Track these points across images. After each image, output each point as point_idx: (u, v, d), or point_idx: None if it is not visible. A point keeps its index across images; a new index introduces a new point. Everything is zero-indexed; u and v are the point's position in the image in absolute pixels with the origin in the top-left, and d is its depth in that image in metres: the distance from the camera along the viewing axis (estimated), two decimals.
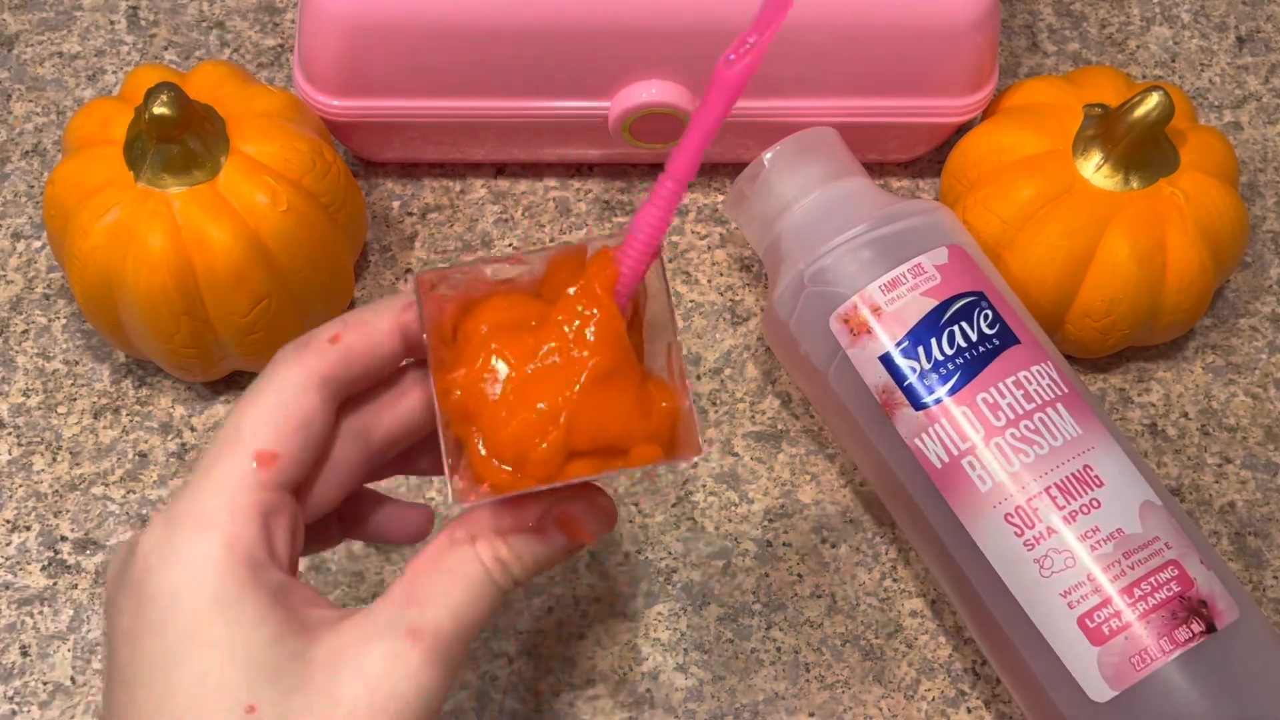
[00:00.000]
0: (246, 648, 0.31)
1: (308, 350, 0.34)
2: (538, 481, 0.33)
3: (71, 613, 0.49)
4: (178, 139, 0.47)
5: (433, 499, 0.51)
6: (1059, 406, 0.45)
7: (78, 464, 0.52)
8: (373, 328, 0.35)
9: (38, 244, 0.56)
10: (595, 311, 0.33)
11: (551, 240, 0.56)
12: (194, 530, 0.32)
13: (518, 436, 0.33)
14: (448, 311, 0.34)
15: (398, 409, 0.36)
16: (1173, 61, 0.62)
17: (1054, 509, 0.44)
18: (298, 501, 0.34)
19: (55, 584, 0.50)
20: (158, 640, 0.32)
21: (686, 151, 0.34)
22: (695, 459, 0.36)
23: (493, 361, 0.33)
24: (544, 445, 0.33)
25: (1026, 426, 0.45)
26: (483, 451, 0.33)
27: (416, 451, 0.38)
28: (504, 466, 0.33)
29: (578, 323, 0.33)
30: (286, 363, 0.34)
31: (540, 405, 0.33)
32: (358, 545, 0.50)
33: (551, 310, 0.34)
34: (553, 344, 0.33)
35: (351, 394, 0.35)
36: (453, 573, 0.33)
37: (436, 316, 0.34)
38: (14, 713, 0.48)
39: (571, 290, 0.33)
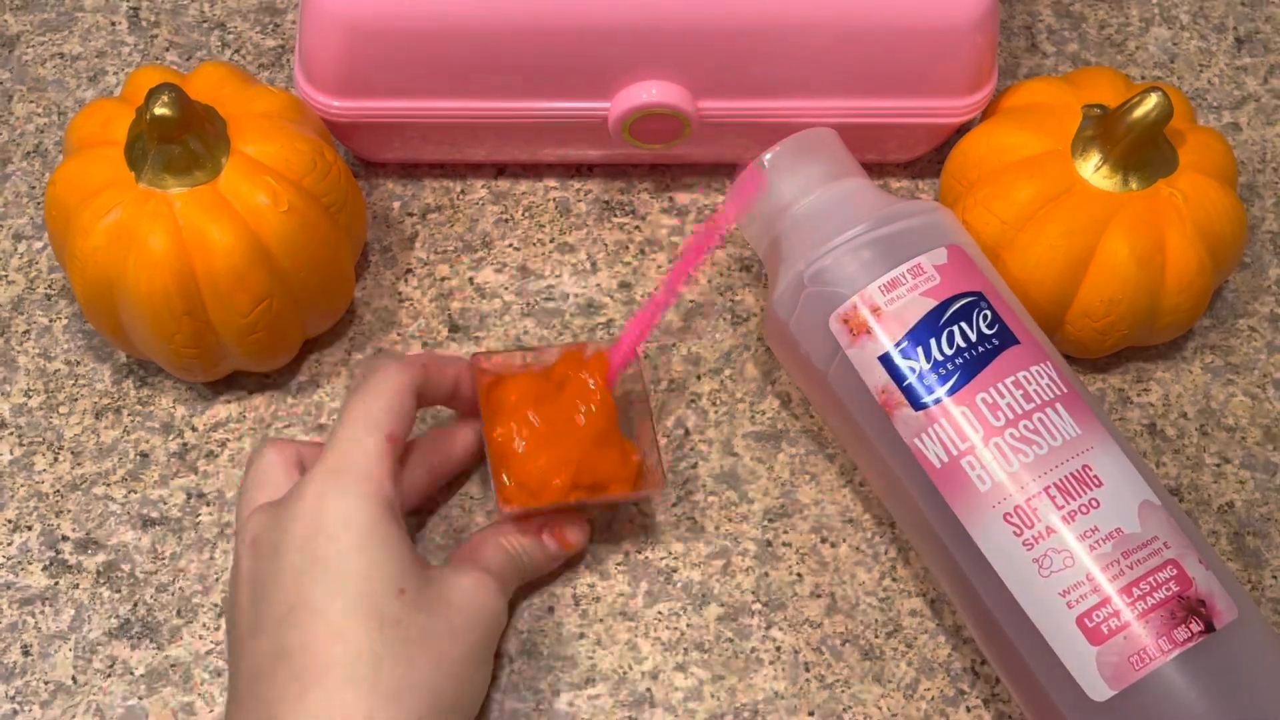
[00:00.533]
0: (398, 555, 0.43)
1: (410, 367, 0.47)
2: (553, 501, 0.47)
3: (73, 612, 0.49)
4: (179, 140, 0.47)
5: (433, 497, 0.52)
6: (1058, 406, 0.45)
7: (79, 464, 0.52)
8: (446, 369, 0.48)
9: (39, 244, 0.56)
10: (595, 394, 0.48)
11: (551, 240, 0.57)
12: (356, 482, 0.44)
13: (542, 471, 0.47)
14: (485, 380, 0.49)
15: (452, 452, 0.51)
16: (1171, 62, 0.62)
17: (1053, 509, 0.44)
18: None
19: (57, 584, 0.50)
20: (334, 545, 0.43)
21: (668, 289, 0.49)
22: (658, 494, 0.51)
23: (527, 419, 0.48)
24: (558, 480, 0.47)
25: (1026, 426, 0.45)
26: (508, 482, 0.48)
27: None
28: (520, 492, 0.47)
29: (584, 399, 0.48)
30: (398, 367, 0.47)
31: (559, 455, 0.48)
32: None
33: (561, 390, 0.49)
34: (569, 414, 0.48)
35: (424, 404, 0.48)
36: (501, 549, 0.48)
37: (482, 383, 0.49)
38: (15, 712, 0.48)
39: (589, 381, 0.49)
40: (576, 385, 0.49)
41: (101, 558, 0.50)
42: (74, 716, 0.48)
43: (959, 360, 0.46)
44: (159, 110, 0.46)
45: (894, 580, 0.51)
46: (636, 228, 0.57)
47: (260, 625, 0.43)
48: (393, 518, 0.44)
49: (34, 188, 0.57)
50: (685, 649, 0.49)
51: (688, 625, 0.50)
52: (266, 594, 0.43)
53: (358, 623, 0.42)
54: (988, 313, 0.47)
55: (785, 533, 0.51)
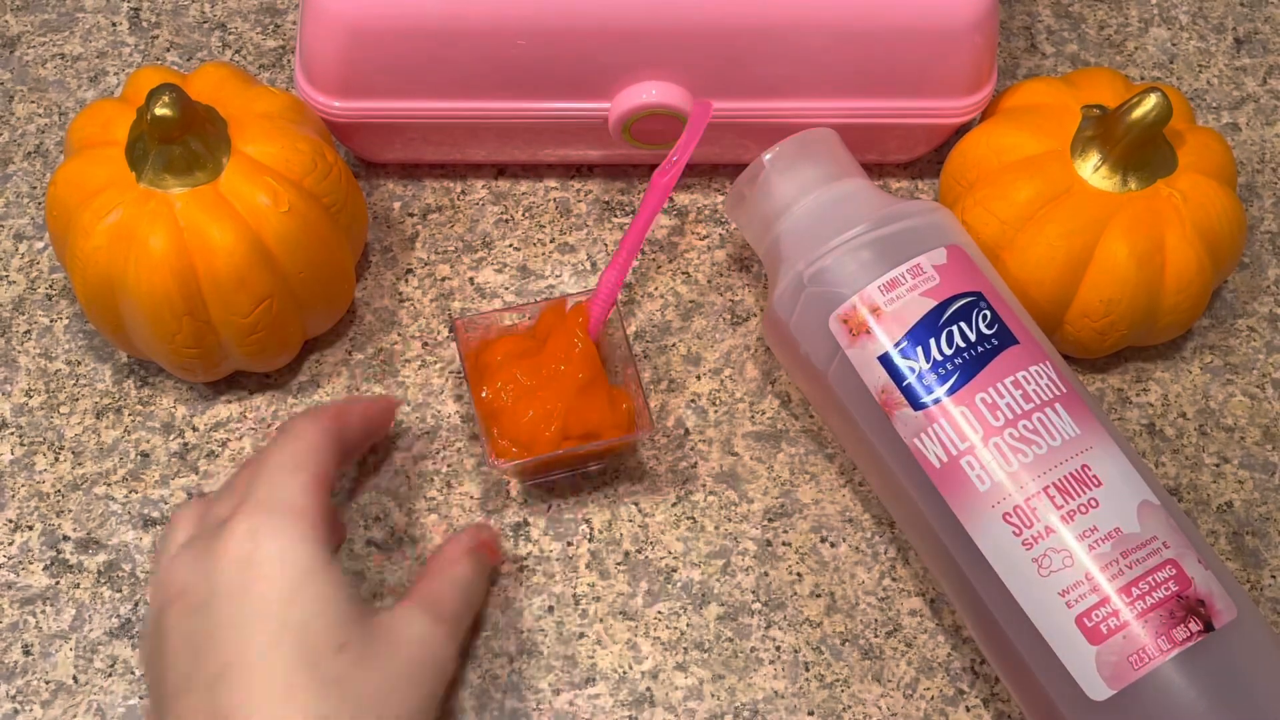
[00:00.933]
0: (338, 604, 0.41)
1: (327, 412, 0.46)
2: (544, 452, 0.48)
3: (73, 612, 0.49)
4: (179, 140, 0.47)
5: (434, 497, 0.52)
6: (1057, 406, 0.45)
7: (80, 464, 0.52)
8: (355, 413, 0.48)
9: (40, 245, 0.56)
10: (579, 344, 0.49)
11: (551, 240, 0.57)
12: (288, 520, 0.41)
13: (532, 425, 0.48)
14: (472, 344, 0.51)
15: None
16: (1171, 63, 0.62)
17: (1052, 508, 0.44)
18: None
19: (57, 583, 0.50)
20: (269, 595, 0.40)
21: (634, 233, 0.51)
22: (648, 434, 0.50)
23: (514, 377, 0.49)
24: (548, 431, 0.48)
25: (1025, 426, 0.45)
26: (499, 438, 0.49)
27: None
28: (512, 448, 0.49)
29: (572, 352, 0.49)
30: (316, 416, 0.46)
31: (547, 406, 0.49)
32: (359, 544, 0.51)
33: (544, 344, 0.50)
34: (552, 366, 0.49)
35: (344, 453, 0.47)
36: (451, 580, 0.46)
37: (466, 347, 0.50)
38: (16, 711, 0.48)
39: (571, 333, 0.50)
40: (559, 338, 0.50)
41: (102, 557, 0.50)
42: (75, 716, 0.48)
43: (958, 360, 0.46)
44: (160, 111, 0.46)
45: (893, 580, 0.51)
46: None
47: (191, 683, 0.40)
48: (329, 560, 0.42)
49: (35, 188, 0.57)
50: (685, 648, 0.49)
51: (688, 625, 0.50)
52: (198, 650, 0.40)
53: (298, 683, 0.39)
54: (987, 313, 0.47)
55: (785, 532, 0.51)
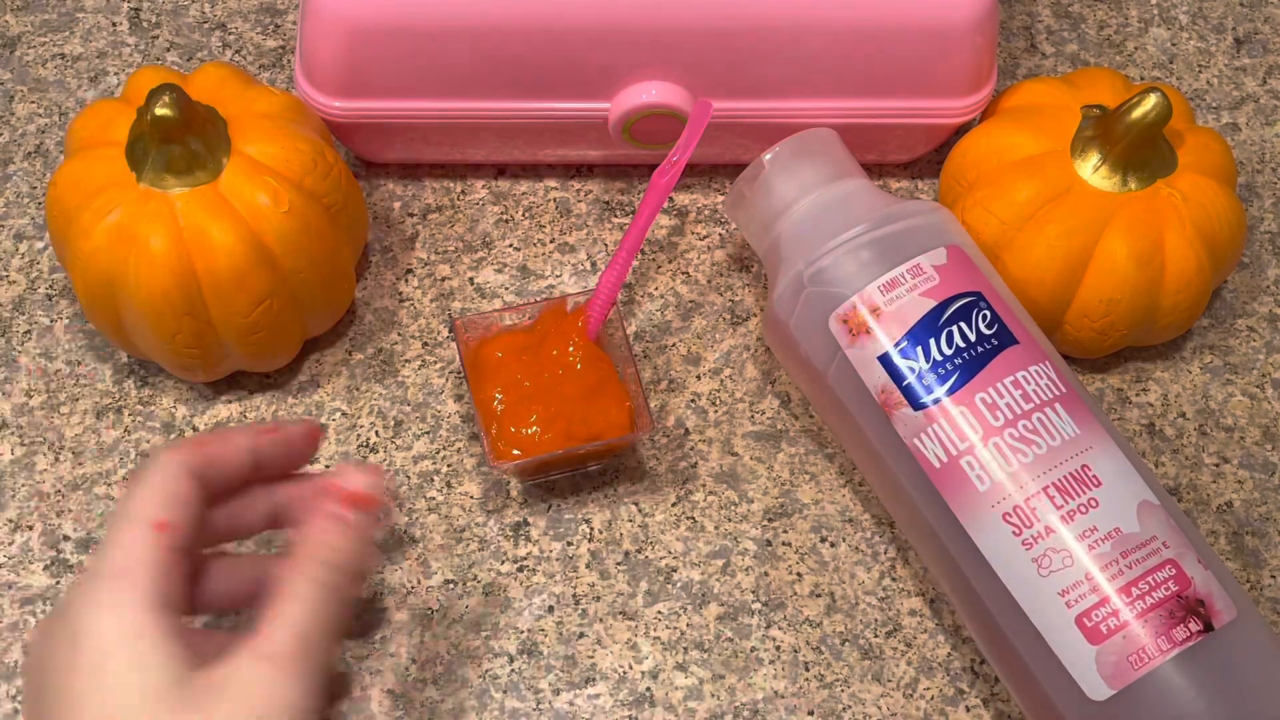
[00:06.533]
0: (144, 677, 0.38)
1: (181, 448, 0.42)
2: (544, 452, 0.48)
3: None
4: (179, 140, 0.47)
5: (434, 497, 0.52)
6: (1057, 406, 0.45)
7: (80, 464, 0.52)
8: (231, 443, 0.43)
9: (40, 245, 0.56)
10: (579, 347, 0.50)
11: (551, 240, 0.57)
12: (112, 583, 0.39)
13: (532, 426, 0.49)
14: (472, 345, 0.50)
15: (244, 519, 0.44)
16: (1170, 63, 0.62)
17: (1052, 508, 0.44)
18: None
19: (58, 583, 0.50)
20: (89, 670, 0.38)
21: (634, 233, 0.51)
22: (647, 434, 0.50)
23: (514, 379, 0.49)
24: (549, 432, 0.49)
25: (1025, 426, 0.45)
26: (498, 439, 0.49)
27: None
28: (513, 449, 0.49)
29: (571, 352, 0.50)
30: (166, 454, 0.42)
31: (549, 409, 0.49)
32: None
33: (544, 345, 0.50)
34: (555, 369, 0.50)
35: (213, 491, 0.42)
36: (287, 597, 0.40)
37: (466, 347, 0.50)
38: (16, 711, 0.48)
39: (572, 334, 0.50)
40: (559, 340, 0.50)
41: None
42: None
43: (958, 360, 0.46)
44: (160, 111, 0.46)
45: (893, 580, 0.51)
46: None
47: None
48: (158, 621, 0.38)
49: (35, 188, 0.57)
50: (685, 648, 0.49)
51: (688, 625, 0.50)
52: (33, 713, 0.39)
53: None
54: (987, 313, 0.47)
55: (785, 532, 0.51)
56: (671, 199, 0.58)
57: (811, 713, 0.48)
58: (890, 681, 0.49)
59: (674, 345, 0.55)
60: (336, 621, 0.41)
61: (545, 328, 0.51)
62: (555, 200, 0.58)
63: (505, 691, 0.48)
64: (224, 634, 0.41)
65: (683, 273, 0.56)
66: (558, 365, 0.50)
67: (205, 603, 0.44)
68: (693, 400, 0.54)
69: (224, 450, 0.43)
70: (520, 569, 0.50)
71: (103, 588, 0.39)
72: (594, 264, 0.56)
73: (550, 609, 0.50)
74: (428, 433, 0.53)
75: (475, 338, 0.51)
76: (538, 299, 0.54)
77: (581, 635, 0.49)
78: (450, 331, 0.48)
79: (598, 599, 0.50)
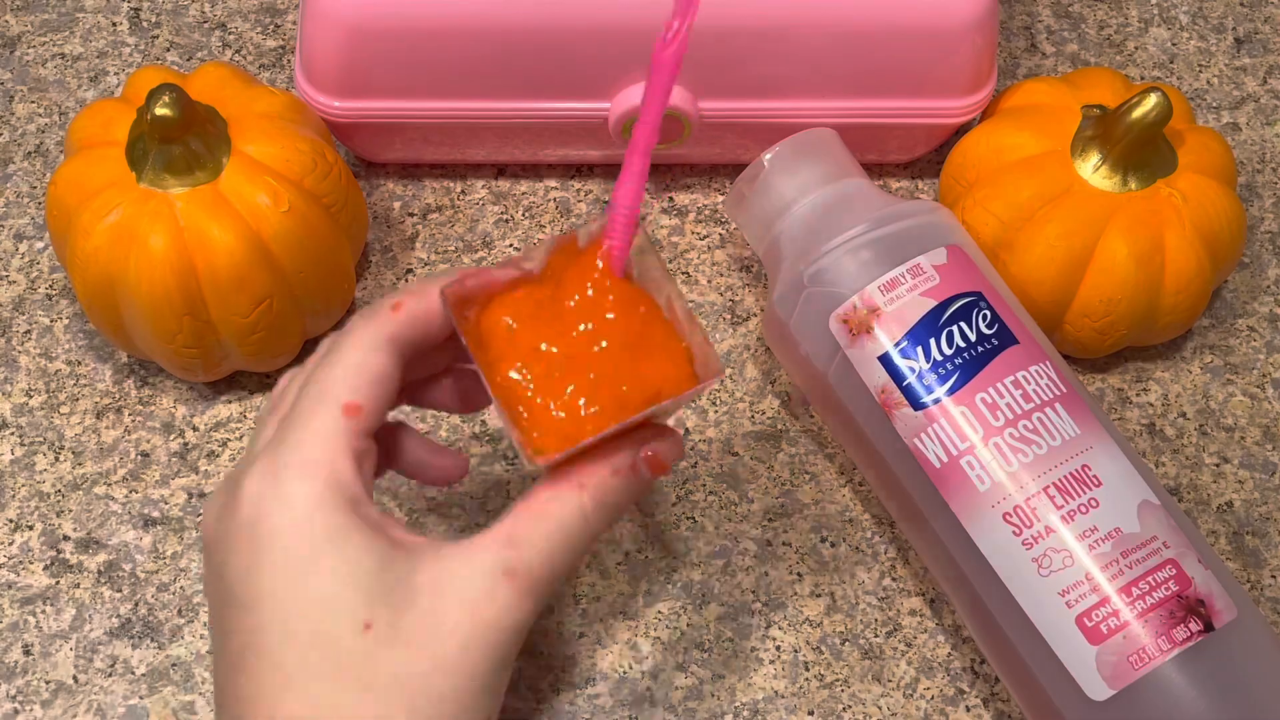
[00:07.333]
0: (359, 573, 0.35)
1: (376, 316, 0.38)
2: (599, 430, 0.38)
3: (74, 612, 0.49)
4: (179, 140, 0.47)
5: (434, 497, 0.51)
6: (1057, 406, 0.45)
7: (80, 464, 0.52)
8: (428, 296, 0.39)
9: (40, 245, 0.56)
10: (607, 285, 0.39)
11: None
12: (300, 474, 0.36)
13: (574, 402, 0.38)
14: (471, 317, 0.40)
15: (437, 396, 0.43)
16: (1171, 63, 0.62)
17: (1052, 508, 0.44)
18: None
19: (58, 583, 0.50)
20: (279, 570, 0.36)
21: (645, 125, 0.38)
22: (720, 379, 0.42)
23: (532, 345, 0.39)
24: (597, 404, 0.38)
25: (1025, 426, 0.45)
26: (533, 428, 0.38)
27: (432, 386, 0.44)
28: (553, 437, 0.38)
29: (597, 295, 0.39)
30: (359, 328, 0.38)
31: (589, 374, 0.38)
32: None
33: (562, 293, 0.39)
34: (582, 321, 0.39)
35: (414, 354, 0.39)
36: (551, 518, 0.37)
37: (466, 321, 0.40)
38: (16, 711, 0.48)
39: (593, 272, 0.39)
40: (578, 282, 0.40)
41: (103, 557, 0.50)
42: (75, 716, 0.48)
43: (958, 360, 0.46)
44: (160, 110, 0.46)
45: (893, 580, 0.51)
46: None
47: (220, 656, 0.38)
48: (353, 515, 0.36)
49: (35, 188, 0.57)
50: (685, 648, 0.49)
51: (688, 625, 0.50)
52: (220, 622, 0.37)
53: (311, 674, 0.35)
54: (987, 313, 0.47)
55: (785, 532, 0.51)
56: (671, 199, 0.58)
57: (812, 713, 0.48)
58: (890, 681, 0.49)
59: None
60: (581, 563, 0.39)
61: (556, 273, 0.40)
62: (555, 200, 0.58)
63: (505, 692, 0.48)
64: (401, 520, 0.38)
65: (682, 272, 0.56)
66: (584, 316, 0.39)
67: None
68: (693, 400, 0.54)
69: (421, 306, 0.39)
70: None
71: (293, 475, 0.36)
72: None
73: (550, 609, 0.50)
74: (427, 433, 0.53)
75: (474, 308, 0.40)
76: (537, 243, 0.43)
77: (581, 635, 0.49)
78: (444, 306, 0.39)
79: (598, 599, 0.50)
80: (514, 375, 0.39)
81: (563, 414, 0.38)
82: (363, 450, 0.37)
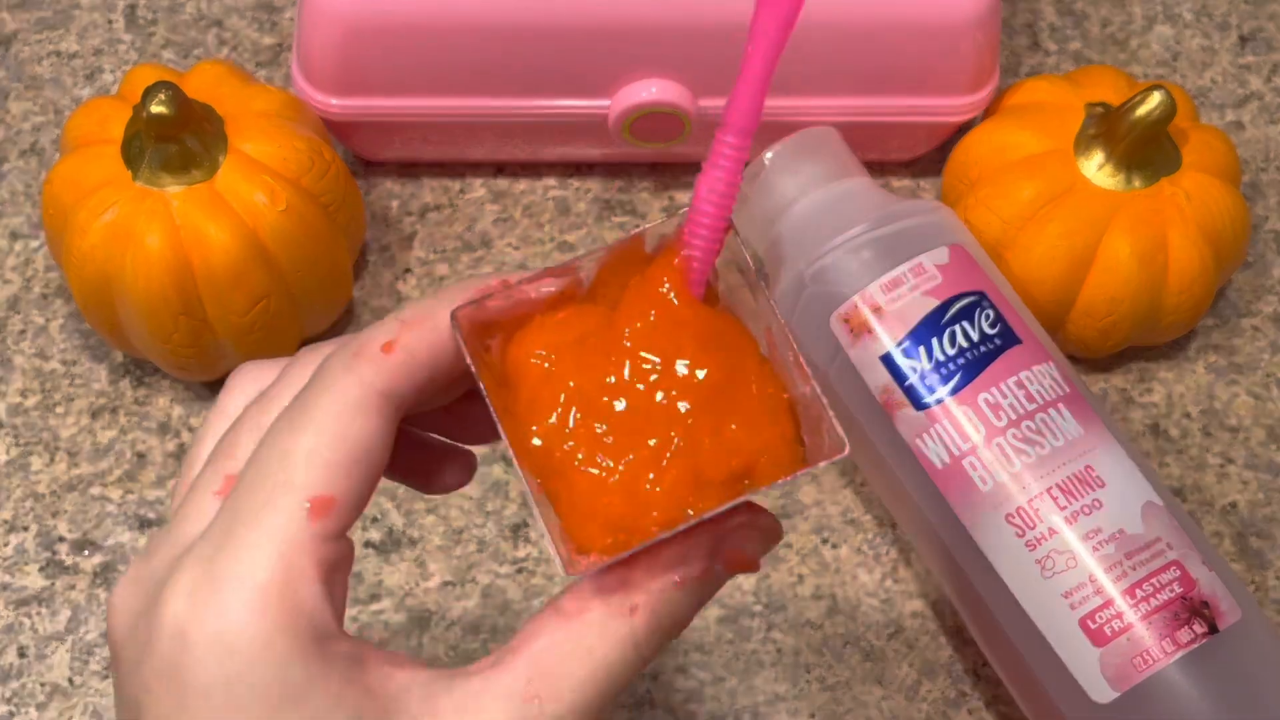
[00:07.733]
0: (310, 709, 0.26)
1: (360, 361, 0.28)
2: (662, 528, 0.27)
3: (69, 613, 0.49)
4: (176, 138, 0.47)
5: (433, 498, 0.51)
6: (1060, 407, 0.45)
7: (75, 464, 0.52)
8: (433, 324, 0.28)
9: (35, 243, 0.56)
10: (687, 315, 0.28)
11: (551, 239, 0.56)
12: (246, 600, 0.26)
13: (631, 479, 0.27)
14: (494, 349, 0.29)
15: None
16: (1174, 60, 0.61)
17: (1055, 509, 0.44)
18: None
19: (53, 585, 0.50)
20: (205, 693, 0.26)
21: (744, 93, 0.28)
22: (840, 455, 0.28)
23: (580, 395, 0.28)
24: (662, 485, 0.27)
25: (1028, 427, 0.45)
26: (574, 514, 0.28)
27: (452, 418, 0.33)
28: (602, 533, 0.28)
29: (665, 326, 0.28)
30: (339, 379, 0.28)
31: (656, 438, 0.27)
32: (356, 547, 0.50)
33: (620, 320, 0.28)
34: (648, 364, 0.28)
35: (413, 405, 0.28)
36: (591, 657, 0.27)
37: (485, 354, 0.28)
38: (12, 714, 0.48)
39: (667, 292, 0.28)
40: (642, 303, 0.29)
41: (98, 559, 0.50)
42: (70, 718, 0.48)
43: (961, 360, 0.46)
44: (156, 108, 0.46)
45: (895, 581, 0.50)
46: (636, 227, 0.57)
47: None
48: (317, 660, 0.26)
49: (30, 186, 0.57)
50: (685, 650, 0.49)
51: (688, 626, 0.49)
52: None
53: None
54: (990, 312, 0.46)
55: (786, 533, 0.51)
56: (671, 198, 0.58)
57: (813, 715, 0.48)
58: (892, 684, 0.49)
59: None
60: (624, 683, 0.28)
61: (612, 290, 0.29)
62: (554, 199, 0.57)
63: None
64: (384, 651, 0.29)
65: None
66: (648, 348, 0.28)
67: None
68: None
69: (427, 339, 0.28)
70: (519, 571, 0.50)
71: (233, 607, 0.26)
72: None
73: None
74: None
75: (497, 337, 0.29)
76: (589, 251, 0.30)
77: None
78: (456, 333, 0.29)
79: None
80: (548, 436, 0.28)
81: (617, 497, 0.27)
82: (334, 559, 0.27)
